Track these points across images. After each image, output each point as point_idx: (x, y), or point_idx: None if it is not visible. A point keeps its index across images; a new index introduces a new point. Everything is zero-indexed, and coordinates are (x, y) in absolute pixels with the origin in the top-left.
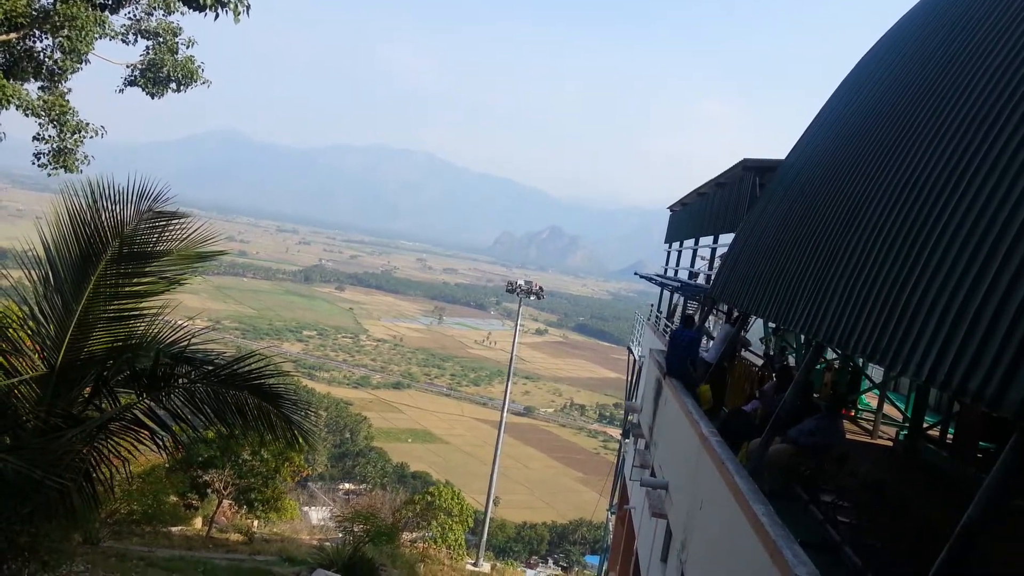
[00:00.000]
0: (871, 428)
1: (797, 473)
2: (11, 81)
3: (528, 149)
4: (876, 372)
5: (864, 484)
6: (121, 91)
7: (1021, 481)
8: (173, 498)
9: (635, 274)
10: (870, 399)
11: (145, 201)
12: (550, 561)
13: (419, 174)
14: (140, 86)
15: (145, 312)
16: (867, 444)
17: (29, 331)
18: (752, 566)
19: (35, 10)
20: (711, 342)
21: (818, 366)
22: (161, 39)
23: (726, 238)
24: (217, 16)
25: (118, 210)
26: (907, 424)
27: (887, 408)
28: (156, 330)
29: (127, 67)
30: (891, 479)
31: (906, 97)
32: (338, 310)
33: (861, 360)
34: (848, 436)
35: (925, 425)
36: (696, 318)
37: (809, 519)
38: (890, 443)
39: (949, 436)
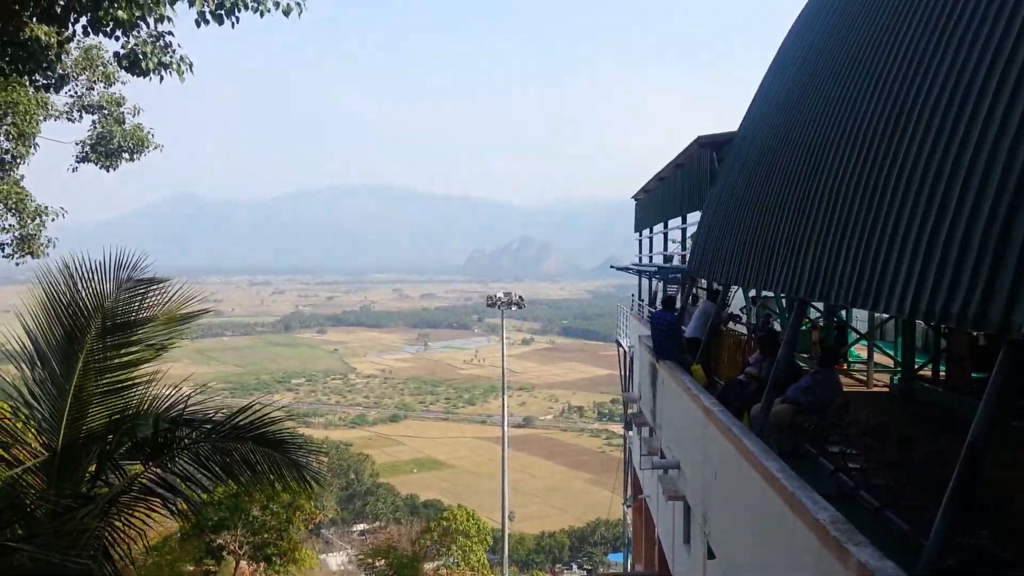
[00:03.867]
0: (865, 378)
1: (802, 430)
2: None
3: (491, 164)
4: (861, 324)
5: (867, 429)
6: (75, 169)
7: (1017, 399)
8: (189, 567)
9: (611, 267)
10: (859, 351)
11: (123, 271)
12: (574, 566)
13: (381, 206)
14: (93, 161)
15: (137, 381)
16: (864, 393)
17: (23, 418)
18: (774, 521)
19: None
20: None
21: (803, 326)
22: (106, 111)
23: (694, 217)
24: (162, 79)
25: (96, 284)
26: (899, 368)
27: (877, 357)
28: (151, 397)
29: (76, 144)
30: (892, 421)
31: (849, 42)
32: (323, 353)
33: (845, 313)
34: (844, 389)
35: (916, 366)
36: (677, 299)
37: (821, 472)
38: (886, 389)
39: (941, 373)
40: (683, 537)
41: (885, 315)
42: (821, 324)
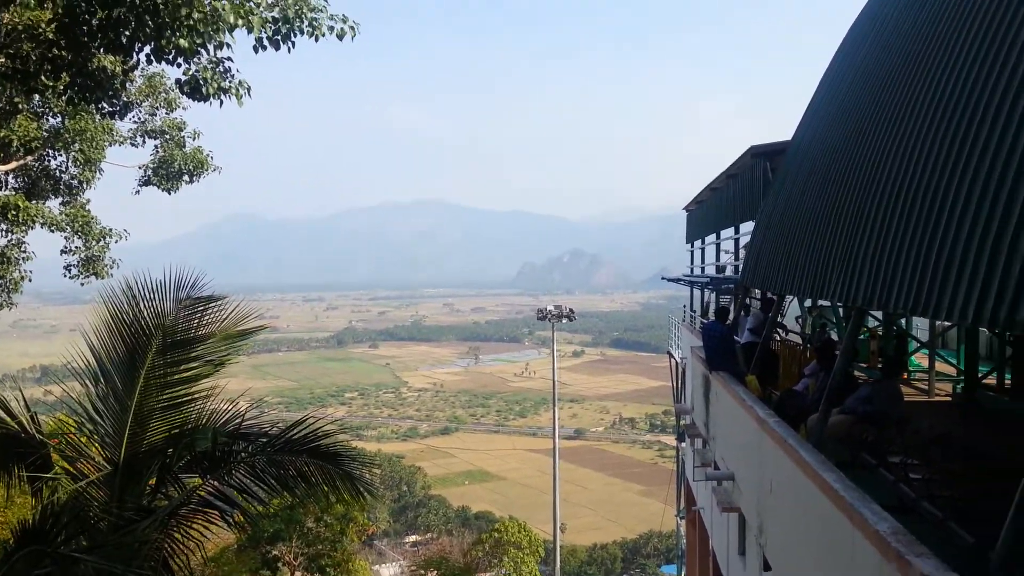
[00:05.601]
0: (927, 387)
1: (860, 441)
2: (33, 201)
3: (541, 179)
4: (921, 333)
5: (929, 439)
6: (137, 192)
7: None
8: None
9: (662, 278)
10: (920, 359)
11: (182, 290)
12: None
13: (433, 222)
14: (155, 184)
15: (196, 396)
16: (926, 403)
17: (87, 433)
18: (832, 533)
19: (46, 131)
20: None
21: (861, 335)
22: (168, 136)
23: (747, 227)
24: (222, 103)
25: (157, 303)
26: (962, 377)
27: (939, 366)
28: (209, 412)
29: (139, 168)
30: (956, 430)
31: (904, 51)
32: (375, 367)
33: (904, 322)
34: (905, 398)
35: (980, 375)
36: (730, 310)
37: (880, 483)
38: (949, 398)
39: (1007, 381)
40: (738, 549)
41: (947, 323)
42: (880, 333)
